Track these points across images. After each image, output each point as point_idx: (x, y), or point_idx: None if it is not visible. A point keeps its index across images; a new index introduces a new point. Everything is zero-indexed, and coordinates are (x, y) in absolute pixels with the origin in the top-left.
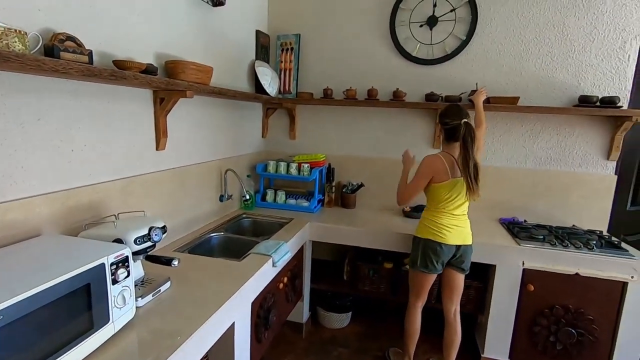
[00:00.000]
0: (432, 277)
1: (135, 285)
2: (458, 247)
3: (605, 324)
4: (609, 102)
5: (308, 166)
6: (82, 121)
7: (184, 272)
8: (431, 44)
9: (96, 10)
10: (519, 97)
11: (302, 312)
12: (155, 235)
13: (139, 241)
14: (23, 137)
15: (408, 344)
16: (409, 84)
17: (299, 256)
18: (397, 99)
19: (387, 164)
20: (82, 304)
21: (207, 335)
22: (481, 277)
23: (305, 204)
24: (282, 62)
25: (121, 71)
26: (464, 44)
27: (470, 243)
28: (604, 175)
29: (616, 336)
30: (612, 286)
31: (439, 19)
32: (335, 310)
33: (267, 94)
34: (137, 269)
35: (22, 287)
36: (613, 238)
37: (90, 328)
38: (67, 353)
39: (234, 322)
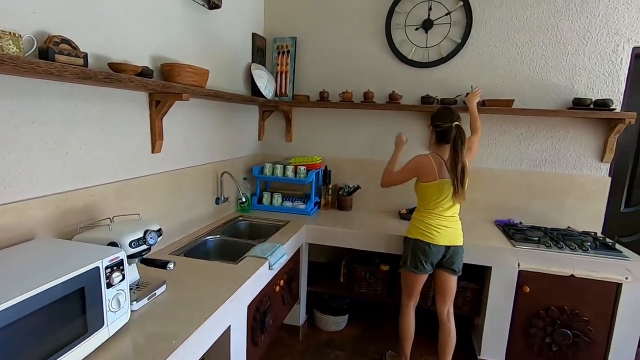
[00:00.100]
0: (423, 277)
1: (130, 289)
2: (447, 247)
3: (600, 325)
4: (602, 104)
5: (304, 169)
6: (77, 124)
7: (179, 275)
8: (427, 47)
9: (92, 13)
10: (513, 100)
11: (298, 315)
12: (151, 238)
13: (134, 244)
14: (17, 140)
15: (404, 344)
16: (405, 87)
17: (295, 259)
18: (393, 101)
19: (383, 166)
20: (76, 308)
21: (202, 339)
22: (477, 279)
23: (302, 206)
24: (278, 64)
25: (116, 74)
26: (459, 47)
27: (460, 244)
28: (598, 177)
29: (611, 337)
30: (607, 287)
31: (434, 22)
32: (332, 313)
33: (263, 96)
34: (132, 272)
35: (15, 291)
36: (607, 239)
37: (84, 332)
38: (60, 358)
39: (230, 326)
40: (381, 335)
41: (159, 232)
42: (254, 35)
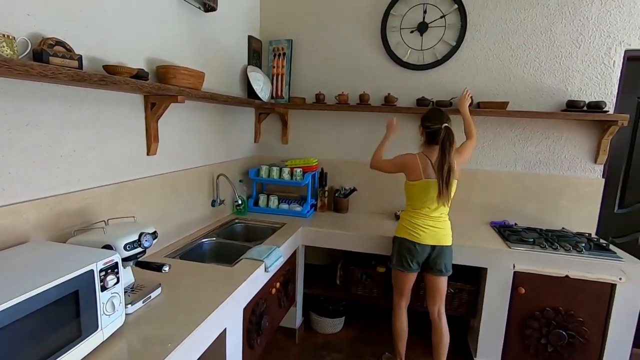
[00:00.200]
0: (410, 276)
1: (125, 292)
2: (433, 247)
3: (595, 326)
4: (596, 106)
5: (300, 171)
6: (72, 126)
7: (175, 278)
8: (422, 50)
9: (87, 16)
10: (508, 102)
11: (295, 317)
12: (146, 241)
13: (128, 247)
14: (10, 142)
15: (397, 344)
16: (401, 89)
17: (291, 261)
18: (388, 103)
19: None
20: (70, 311)
21: (198, 342)
22: (473, 280)
23: (298, 208)
24: (274, 67)
25: (111, 76)
26: (454, 50)
27: (447, 244)
28: (592, 178)
29: (606, 337)
30: (601, 288)
31: (429, 25)
32: (329, 315)
33: (259, 98)
34: (127, 275)
35: (8, 295)
36: (601, 240)
37: (78, 336)
38: None
39: (225, 328)
40: (378, 337)
41: (154, 235)
42: (249, 37)
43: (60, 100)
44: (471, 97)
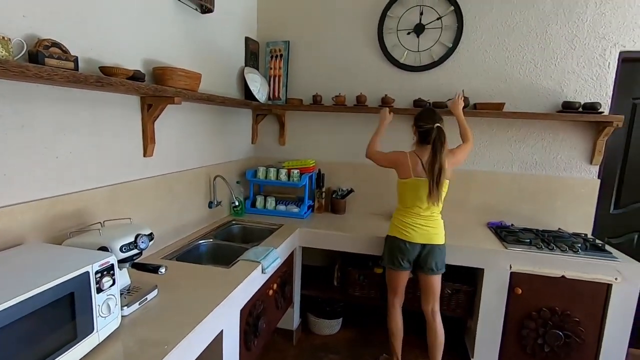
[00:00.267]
0: (402, 274)
1: (121, 294)
2: (423, 246)
3: (591, 326)
4: (591, 107)
5: (298, 172)
6: (68, 128)
7: (171, 280)
8: (418, 51)
9: (83, 17)
10: (504, 103)
11: (292, 318)
12: (142, 242)
13: (125, 249)
14: (6, 144)
15: (393, 343)
16: (397, 90)
17: (289, 262)
18: (385, 105)
19: (377, 169)
20: (65, 313)
21: (194, 344)
22: (470, 281)
23: (295, 210)
24: (271, 68)
25: (107, 77)
26: (450, 51)
27: (437, 243)
28: (587, 179)
29: (602, 337)
30: (597, 288)
31: (426, 26)
32: (326, 317)
33: (256, 100)
34: (123, 277)
35: (3, 297)
36: (597, 241)
37: (73, 338)
38: None
39: (222, 330)
40: (375, 338)
41: (150, 237)
42: (247, 39)
43: (56, 102)
44: (467, 98)
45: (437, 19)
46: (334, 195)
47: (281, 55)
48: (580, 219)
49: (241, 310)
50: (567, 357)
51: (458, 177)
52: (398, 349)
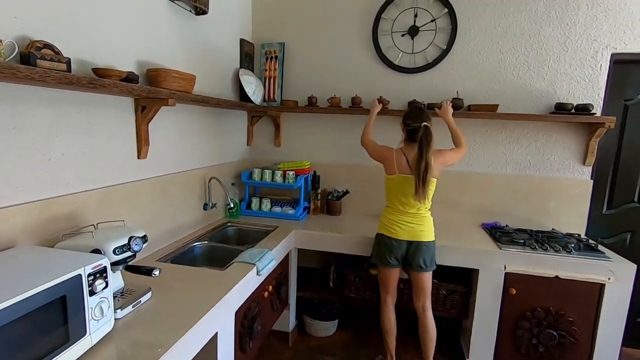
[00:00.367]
0: (392, 271)
1: (115, 297)
2: (410, 243)
3: (584, 326)
4: (583, 109)
5: (293, 174)
6: (61, 130)
7: (165, 282)
8: (413, 53)
9: (76, 19)
10: (498, 105)
11: (288, 320)
12: (136, 244)
13: (118, 251)
14: None
15: (387, 340)
16: (392, 92)
17: (284, 264)
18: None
19: (372, 170)
20: (57, 316)
21: (188, 346)
22: (465, 282)
23: (291, 211)
24: (266, 70)
25: (100, 79)
26: (444, 53)
27: (424, 240)
28: (580, 180)
29: (595, 337)
30: (591, 288)
31: (420, 28)
32: (322, 318)
33: (251, 102)
34: (117, 279)
35: None
36: (590, 241)
37: (66, 341)
38: None
39: (216, 333)
40: (371, 340)
41: (144, 239)
42: (242, 40)
43: (48, 104)
44: (461, 99)
45: (431, 21)
46: (329, 197)
47: (276, 57)
48: (573, 219)
49: (236, 313)
50: (561, 357)
51: (452, 178)
52: (392, 346)
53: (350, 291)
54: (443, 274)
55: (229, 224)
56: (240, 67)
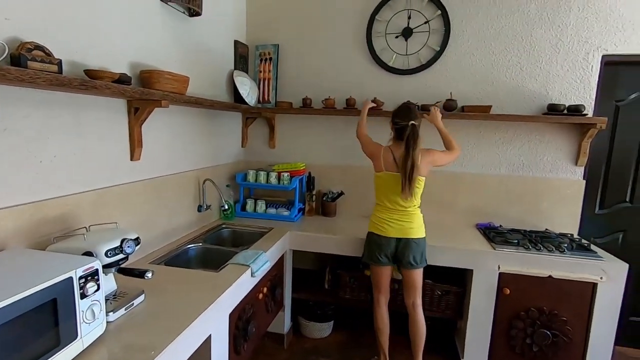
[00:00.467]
0: (383, 269)
1: (107, 300)
2: (399, 240)
3: (578, 325)
4: (575, 110)
5: (288, 175)
6: (52, 131)
7: (159, 285)
8: (407, 55)
9: (68, 20)
10: (491, 106)
11: (283, 322)
12: (128, 247)
13: (110, 253)
14: None
15: (380, 339)
16: (386, 93)
17: (279, 266)
18: (374, 108)
19: (367, 171)
20: (47, 320)
21: (181, 349)
22: (459, 282)
23: (286, 213)
24: (261, 71)
25: (92, 80)
26: (438, 55)
27: (413, 237)
28: (573, 180)
29: (589, 336)
30: (583, 287)
31: (414, 30)
32: (317, 320)
33: (246, 103)
34: (109, 282)
35: None
36: (583, 241)
37: (56, 345)
38: None
39: (210, 335)
40: (366, 341)
41: (136, 241)
42: (236, 42)
43: (40, 105)
44: (455, 101)
45: (425, 22)
46: (324, 198)
47: (270, 59)
48: (566, 219)
49: (230, 315)
50: (555, 356)
51: (446, 179)
52: (385, 345)
53: (345, 292)
54: (437, 274)
55: (223, 226)
56: (235, 68)
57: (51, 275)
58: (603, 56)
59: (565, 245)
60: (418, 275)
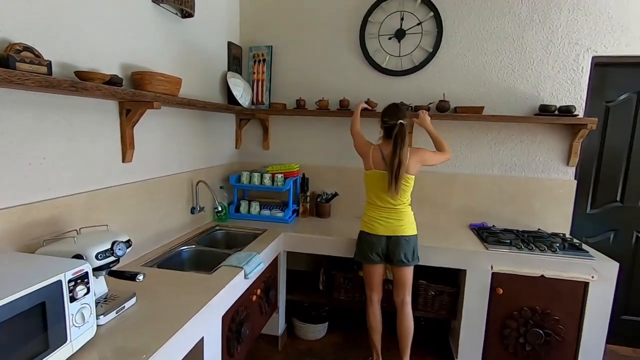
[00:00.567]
0: (375, 268)
1: (98, 303)
2: (389, 238)
3: (570, 324)
4: (566, 111)
5: (282, 176)
6: (42, 133)
7: (151, 287)
8: (400, 56)
9: (58, 21)
10: (483, 107)
11: (277, 324)
12: (119, 249)
13: (100, 256)
14: None
15: (372, 337)
16: (379, 95)
17: (273, 267)
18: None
19: (360, 172)
20: (36, 323)
21: (173, 352)
22: (453, 282)
23: (280, 214)
24: (254, 73)
25: (82, 82)
26: (430, 56)
27: (403, 234)
28: (564, 180)
29: (581, 335)
30: (575, 286)
31: (407, 32)
32: (312, 321)
33: (239, 104)
34: (100, 285)
35: None
36: (575, 240)
37: (45, 349)
38: None
39: (202, 337)
40: (361, 342)
41: (127, 243)
42: (229, 43)
43: (29, 107)
44: (447, 102)
45: (418, 24)
46: (318, 199)
47: (264, 60)
48: (558, 219)
49: (223, 317)
50: (548, 355)
51: (440, 179)
52: (377, 343)
53: (339, 293)
54: (431, 275)
55: (217, 228)
56: (228, 70)
57: (39, 278)
58: (593, 57)
59: (557, 245)
60: (408, 272)
